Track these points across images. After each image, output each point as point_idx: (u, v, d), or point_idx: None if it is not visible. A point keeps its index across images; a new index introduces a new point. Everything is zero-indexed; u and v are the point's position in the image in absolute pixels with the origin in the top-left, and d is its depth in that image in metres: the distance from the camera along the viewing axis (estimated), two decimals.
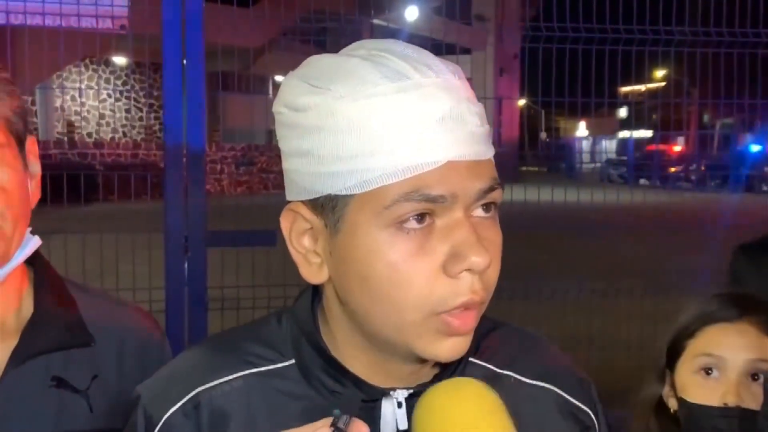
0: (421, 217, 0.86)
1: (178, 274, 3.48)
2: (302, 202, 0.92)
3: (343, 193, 0.87)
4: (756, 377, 1.51)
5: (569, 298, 4.92)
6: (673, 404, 1.61)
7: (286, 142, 0.93)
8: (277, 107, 0.93)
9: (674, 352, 1.61)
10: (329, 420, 0.82)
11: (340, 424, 0.81)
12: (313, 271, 0.94)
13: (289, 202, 0.95)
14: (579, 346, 4.69)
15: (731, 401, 1.49)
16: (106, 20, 3.84)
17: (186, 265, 3.47)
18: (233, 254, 4.16)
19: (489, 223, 0.91)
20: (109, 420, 1.23)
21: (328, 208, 0.89)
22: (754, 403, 1.48)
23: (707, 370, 1.54)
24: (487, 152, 0.90)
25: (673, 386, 1.61)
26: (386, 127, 0.85)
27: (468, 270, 0.86)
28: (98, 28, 3.88)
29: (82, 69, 23.96)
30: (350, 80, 0.87)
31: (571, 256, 8.75)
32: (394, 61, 0.88)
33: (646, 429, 1.64)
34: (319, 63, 0.92)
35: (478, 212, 0.90)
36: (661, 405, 1.64)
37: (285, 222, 0.94)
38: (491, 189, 0.89)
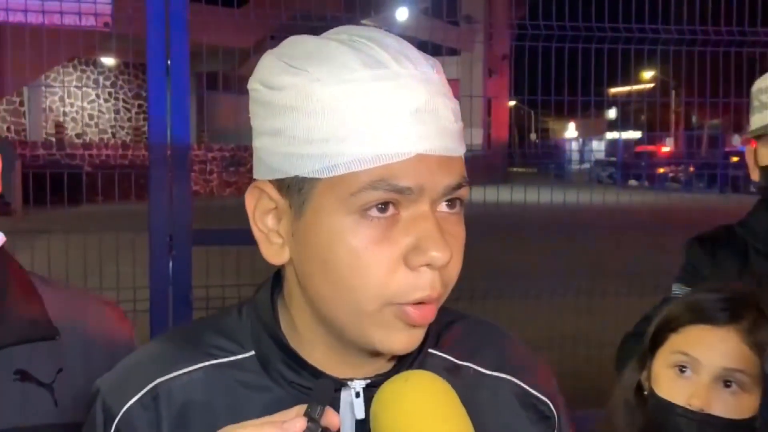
0: (384, 206, 0.86)
1: (162, 274, 3.46)
2: (269, 181, 0.92)
3: (311, 176, 0.87)
4: (728, 384, 1.51)
5: (556, 298, 4.92)
6: (648, 388, 1.62)
7: (258, 120, 0.92)
8: (253, 84, 0.93)
9: (656, 340, 1.61)
10: (301, 409, 0.82)
11: (314, 414, 0.80)
12: (273, 251, 0.93)
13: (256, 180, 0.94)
14: (566, 345, 4.70)
15: (696, 404, 1.50)
16: (89, 18, 3.82)
17: (171, 264, 3.46)
18: (218, 254, 4.15)
19: (454, 219, 0.91)
20: (75, 414, 1.21)
21: (295, 189, 0.89)
22: (721, 410, 1.49)
23: (681, 368, 1.54)
24: (458, 149, 0.90)
25: (649, 372, 1.62)
26: (359, 114, 0.84)
27: (428, 265, 0.86)
28: (81, 25, 3.85)
29: (70, 69, 23.91)
30: (328, 64, 0.86)
31: (559, 256, 8.75)
32: (374, 49, 0.87)
33: (625, 406, 1.65)
34: (298, 44, 0.91)
35: (443, 207, 0.89)
36: (640, 386, 1.65)
37: (250, 199, 0.94)
38: (459, 186, 0.89)
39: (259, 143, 0.92)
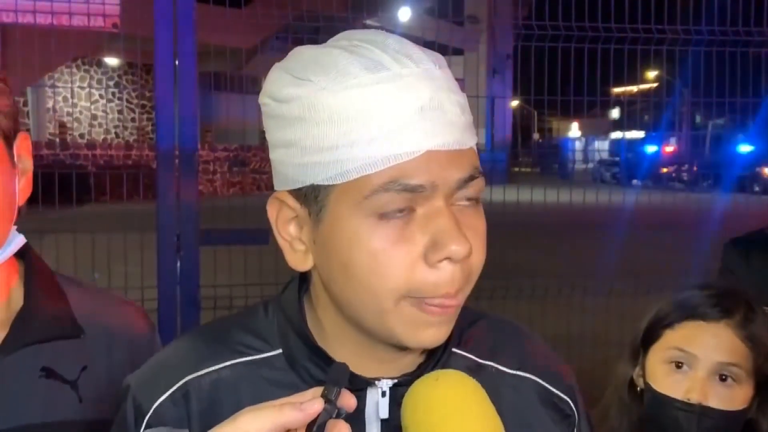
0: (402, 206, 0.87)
1: (170, 273, 3.47)
2: (287, 191, 0.94)
3: (325, 183, 0.88)
4: (723, 378, 1.56)
5: (562, 298, 4.93)
6: (641, 384, 1.67)
7: (271, 133, 0.94)
8: (263, 98, 0.95)
9: (650, 336, 1.66)
10: (318, 391, 0.83)
11: (331, 396, 0.82)
12: (298, 259, 0.95)
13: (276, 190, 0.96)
14: (572, 345, 4.69)
15: (694, 398, 1.54)
16: (97, 18, 3.84)
17: (178, 264, 3.47)
18: (225, 253, 4.16)
19: (471, 211, 0.91)
20: (98, 411, 1.23)
21: (311, 197, 0.91)
22: (717, 403, 1.54)
23: (677, 363, 1.59)
24: (468, 141, 0.91)
25: (643, 368, 1.66)
26: (365, 118, 0.86)
27: (448, 259, 0.87)
28: (90, 26, 3.87)
29: (74, 70, 23.92)
30: (330, 72, 0.88)
31: (564, 255, 8.76)
32: (374, 51, 0.89)
33: (619, 401, 1.70)
34: (302, 55, 0.93)
35: (461, 201, 0.90)
36: (632, 381, 1.70)
37: (271, 210, 0.96)
38: (472, 178, 0.90)
39: (274, 155, 0.95)
